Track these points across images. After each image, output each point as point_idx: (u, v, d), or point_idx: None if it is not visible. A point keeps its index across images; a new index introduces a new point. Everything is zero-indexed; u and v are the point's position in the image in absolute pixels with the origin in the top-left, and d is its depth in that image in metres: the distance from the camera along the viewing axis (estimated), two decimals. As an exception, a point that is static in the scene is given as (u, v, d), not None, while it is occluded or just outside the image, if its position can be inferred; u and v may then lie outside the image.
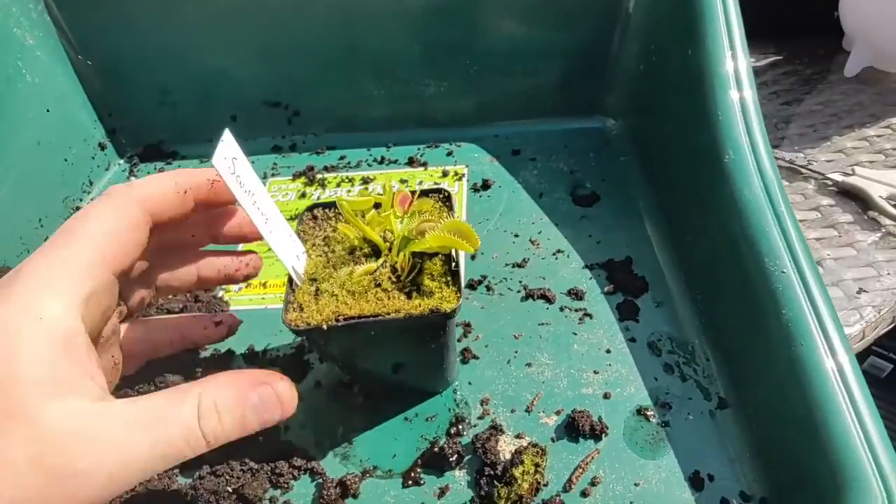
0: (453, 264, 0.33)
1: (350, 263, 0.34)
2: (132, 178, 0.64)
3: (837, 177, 0.55)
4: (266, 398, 0.28)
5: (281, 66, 0.62)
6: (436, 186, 0.39)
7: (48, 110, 0.57)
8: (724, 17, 0.46)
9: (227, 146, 0.28)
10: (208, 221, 0.35)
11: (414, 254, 0.34)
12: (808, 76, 0.72)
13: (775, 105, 0.68)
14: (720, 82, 0.44)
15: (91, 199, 0.60)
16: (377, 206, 0.35)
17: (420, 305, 0.31)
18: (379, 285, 0.33)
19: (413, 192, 0.36)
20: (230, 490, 0.36)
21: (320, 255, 0.35)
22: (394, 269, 0.33)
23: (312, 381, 0.43)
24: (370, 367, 0.38)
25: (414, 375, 0.40)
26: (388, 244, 0.34)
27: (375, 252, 0.35)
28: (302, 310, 0.32)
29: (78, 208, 0.59)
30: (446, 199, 0.38)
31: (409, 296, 0.32)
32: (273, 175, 0.62)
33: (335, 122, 0.65)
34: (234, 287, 0.50)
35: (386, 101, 0.64)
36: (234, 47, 0.61)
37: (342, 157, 0.64)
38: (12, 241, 0.52)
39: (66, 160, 0.59)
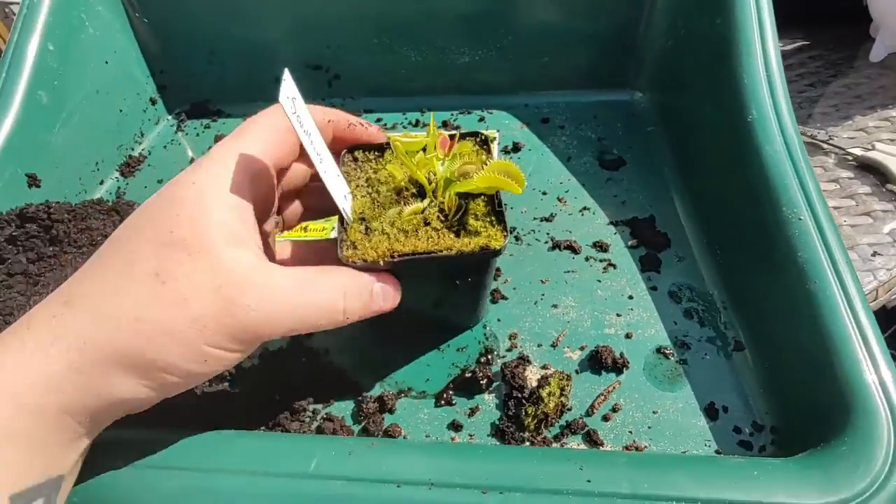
0: (496, 204, 0.35)
1: (396, 203, 0.36)
2: (179, 134, 0.67)
3: (857, 151, 0.57)
4: (385, 289, 0.33)
5: (323, 32, 0.65)
6: (474, 130, 0.41)
7: (107, 62, 0.61)
8: (754, -14, 0.49)
9: (289, 85, 0.30)
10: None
11: (458, 194, 0.35)
12: (834, 61, 0.74)
13: (800, 86, 0.69)
14: (747, 47, 0.46)
15: (142, 150, 0.64)
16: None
17: (470, 243, 0.33)
18: (428, 224, 0.34)
19: (452, 136, 0.38)
20: (277, 398, 0.39)
21: (365, 196, 0.36)
22: (440, 209, 0.35)
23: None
24: (413, 302, 0.40)
25: (451, 311, 0.42)
26: (432, 185, 0.36)
27: (420, 193, 0.36)
28: (355, 247, 0.33)
29: (130, 156, 0.62)
30: (483, 143, 0.39)
31: (456, 234, 0.34)
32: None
33: (373, 87, 0.68)
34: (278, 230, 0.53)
35: (422, 67, 0.66)
36: (280, 12, 0.64)
37: (378, 120, 0.67)
38: (73, 181, 0.55)
39: (120, 111, 0.62)
